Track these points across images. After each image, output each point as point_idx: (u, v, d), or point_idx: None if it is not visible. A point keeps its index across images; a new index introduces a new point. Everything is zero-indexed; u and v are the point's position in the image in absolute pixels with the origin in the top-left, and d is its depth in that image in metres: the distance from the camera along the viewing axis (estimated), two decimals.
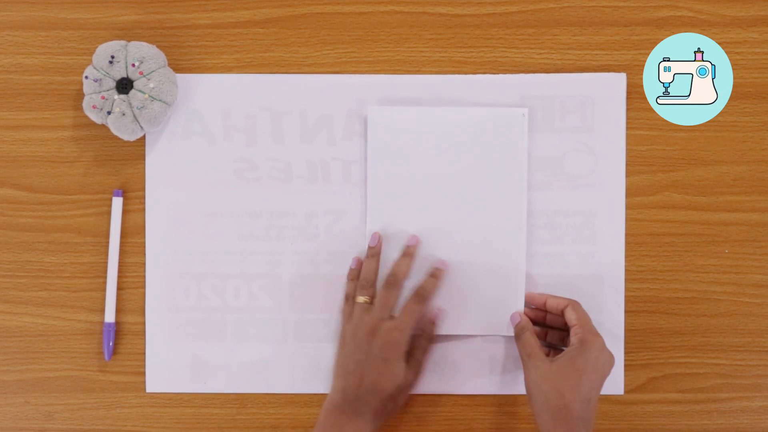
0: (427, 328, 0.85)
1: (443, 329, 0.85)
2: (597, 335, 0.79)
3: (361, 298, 0.83)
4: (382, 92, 0.86)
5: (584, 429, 0.76)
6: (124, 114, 0.81)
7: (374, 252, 0.85)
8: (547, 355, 0.82)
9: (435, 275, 0.84)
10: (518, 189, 0.85)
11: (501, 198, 0.84)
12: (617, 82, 0.86)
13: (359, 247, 0.85)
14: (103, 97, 0.82)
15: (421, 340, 0.85)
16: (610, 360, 0.79)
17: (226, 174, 0.86)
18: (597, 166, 0.86)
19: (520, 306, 0.85)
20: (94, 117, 0.83)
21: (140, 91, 0.81)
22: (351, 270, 0.86)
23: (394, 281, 0.83)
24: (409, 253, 0.85)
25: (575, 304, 0.82)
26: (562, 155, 0.86)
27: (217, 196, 0.86)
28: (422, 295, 0.83)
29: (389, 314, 0.83)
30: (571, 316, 0.81)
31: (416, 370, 0.84)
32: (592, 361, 0.78)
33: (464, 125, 0.85)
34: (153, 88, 0.82)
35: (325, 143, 0.86)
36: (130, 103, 0.82)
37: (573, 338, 0.79)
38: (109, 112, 0.82)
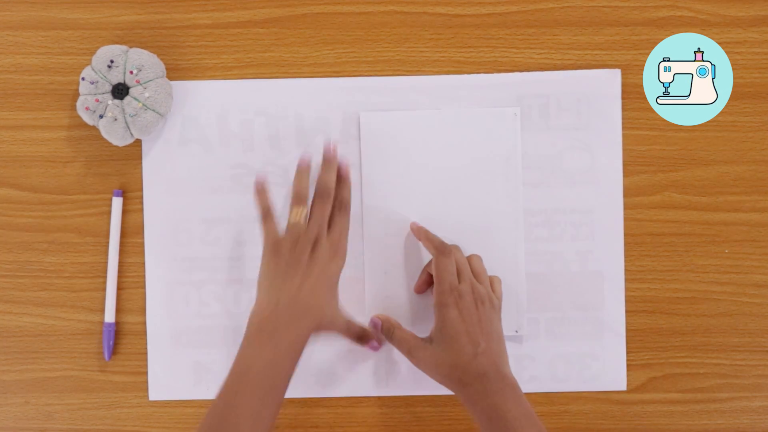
0: (365, 338, 0.83)
1: None
2: (450, 292, 0.78)
3: (298, 214, 0.81)
4: (376, 95, 0.85)
5: (490, 381, 0.75)
6: (116, 119, 0.81)
7: (305, 170, 0.83)
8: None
9: (344, 180, 0.83)
10: (514, 188, 0.85)
11: (497, 198, 0.84)
12: (612, 77, 0.86)
13: (357, 251, 0.85)
14: (97, 100, 0.81)
15: (358, 330, 0.83)
16: (469, 302, 0.78)
17: (224, 180, 0.85)
18: (594, 162, 0.86)
19: (524, 305, 0.85)
20: (86, 118, 0.82)
21: (135, 98, 0.81)
22: (260, 188, 0.83)
23: (327, 193, 0.82)
24: (329, 162, 0.83)
25: (439, 256, 0.80)
26: (559, 153, 0.86)
27: (216, 203, 0.85)
28: (345, 204, 0.83)
29: (325, 225, 0.81)
30: (432, 273, 0.81)
31: (344, 317, 0.82)
32: (456, 320, 0.77)
33: (457, 127, 0.85)
34: (148, 97, 0.81)
35: (321, 147, 0.85)
36: (123, 110, 0.81)
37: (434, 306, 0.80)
38: (101, 116, 0.82)
